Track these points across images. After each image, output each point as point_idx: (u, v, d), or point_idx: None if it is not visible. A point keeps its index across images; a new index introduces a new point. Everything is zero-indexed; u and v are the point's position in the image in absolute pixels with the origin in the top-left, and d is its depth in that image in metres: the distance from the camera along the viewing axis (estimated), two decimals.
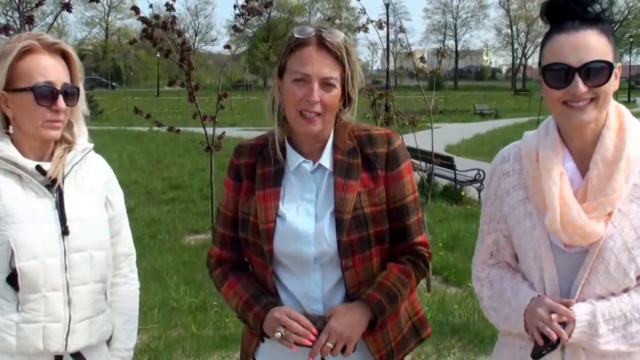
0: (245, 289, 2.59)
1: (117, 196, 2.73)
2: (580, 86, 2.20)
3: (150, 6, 10.10)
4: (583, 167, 2.33)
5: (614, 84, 2.26)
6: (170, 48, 10.11)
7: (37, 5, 7.73)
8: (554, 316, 2.25)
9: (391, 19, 33.05)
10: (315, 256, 2.48)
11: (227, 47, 12.00)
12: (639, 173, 2.30)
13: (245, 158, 2.64)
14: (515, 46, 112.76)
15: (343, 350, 2.43)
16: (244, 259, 2.70)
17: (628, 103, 55.43)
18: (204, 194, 13.58)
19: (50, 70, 2.44)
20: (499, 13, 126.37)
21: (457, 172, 13.92)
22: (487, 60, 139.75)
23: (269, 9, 10.94)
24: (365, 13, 8.53)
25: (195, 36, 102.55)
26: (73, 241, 2.47)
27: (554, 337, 2.23)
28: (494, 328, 2.58)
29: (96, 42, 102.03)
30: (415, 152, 8.75)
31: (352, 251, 2.47)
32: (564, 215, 2.26)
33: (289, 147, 2.58)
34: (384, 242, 2.56)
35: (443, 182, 14.52)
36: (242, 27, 10.79)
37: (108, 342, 2.72)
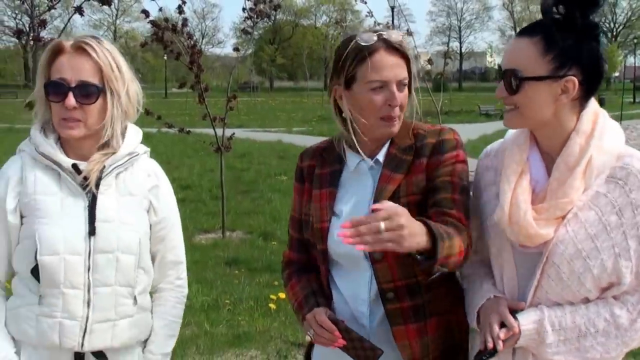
0: (301, 290, 2.57)
1: (164, 203, 2.67)
2: (497, 90, 2.27)
3: (160, 9, 10.16)
4: (551, 170, 2.26)
5: (551, 96, 2.18)
6: (180, 51, 10.15)
7: (49, 9, 7.78)
8: (501, 333, 2.19)
9: (396, 21, 33.06)
10: (366, 252, 2.39)
11: (236, 49, 12.02)
12: (604, 181, 2.19)
13: (308, 161, 2.66)
14: None
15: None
16: (311, 260, 2.65)
17: (633, 104, 55.38)
18: (214, 194, 13.61)
19: (66, 67, 2.43)
20: (502, 15, 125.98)
21: None
22: (491, 62, 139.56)
23: (276, 11, 10.95)
24: (372, 16, 8.57)
25: (202, 39, 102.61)
26: (99, 242, 2.45)
27: (490, 346, 2.19)
28: None
29: None
30: None
31: None
32: (512, 214, 2.22)
33: (347, 148, 2.56)
34: None
35: None
36: (250, 30, 10.83)
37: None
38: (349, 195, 2.51)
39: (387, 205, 1.97)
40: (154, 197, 2.64)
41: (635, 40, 70.95)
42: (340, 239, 2.21)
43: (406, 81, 2.44)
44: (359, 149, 2.50)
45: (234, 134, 10.81)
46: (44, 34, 7.46)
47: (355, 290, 2.47)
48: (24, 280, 2.50)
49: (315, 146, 2.70)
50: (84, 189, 2.49)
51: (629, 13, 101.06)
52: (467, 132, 29.50)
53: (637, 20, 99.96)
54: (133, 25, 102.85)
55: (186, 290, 2.85)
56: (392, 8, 37.46)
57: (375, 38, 2.40)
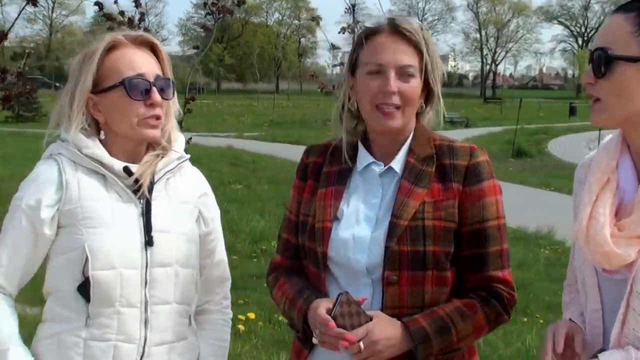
0: (292, 286, 2.44)
1: (213, 213, 2.57)
2: (584, 75, 2.05)
3: (115, 2, 10.07)
4: None
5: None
6: None
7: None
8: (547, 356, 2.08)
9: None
10: (368, 267, 2.30)
11: (196, 47, 12.00)
12: None
13: (314, 157, 2.55)
14: (485, 52, 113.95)
15: None
16: (302, 268, 2.52)
17: None
18: None
19: (139, 62, 2.35)
20: (467, 16, 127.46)
21: None
22: (454, 66, 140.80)
23: (240, 7, 10.95)
24: (352, 12, 8.49)
25: None
26: (157, 254, 2.33)
27: None
28: None
29: (39, 40, 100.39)
30: None
31: (400, 264, 2.26)
32: (590, 228, 2.00)
33: (361, 147, 2.46)
34: (443, 269, 2.31)
35: None
36: (211, 27, 10.82)
37: None
38: (355, 199, 2.41)
39: (369, 332, 2.19)
40: (204, 207, 2.54)
41: None
42: (340, 244, 2.34)
43: (412, 70, 2.32)
44: (364, 147, 2.46)
45: (190, 138, 10.65)
46: None
47: None
48: (65, 300, 2.32)
49: (323, 143, 2.59)
50: (135, 194, 2.36)
51: (602, 17, 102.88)
52: None
53: None
54: (71, 19, 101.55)
55: (231, 313, 2.72)
56: (353, 6, 37.69)
57: (383, 21, 2.37)
